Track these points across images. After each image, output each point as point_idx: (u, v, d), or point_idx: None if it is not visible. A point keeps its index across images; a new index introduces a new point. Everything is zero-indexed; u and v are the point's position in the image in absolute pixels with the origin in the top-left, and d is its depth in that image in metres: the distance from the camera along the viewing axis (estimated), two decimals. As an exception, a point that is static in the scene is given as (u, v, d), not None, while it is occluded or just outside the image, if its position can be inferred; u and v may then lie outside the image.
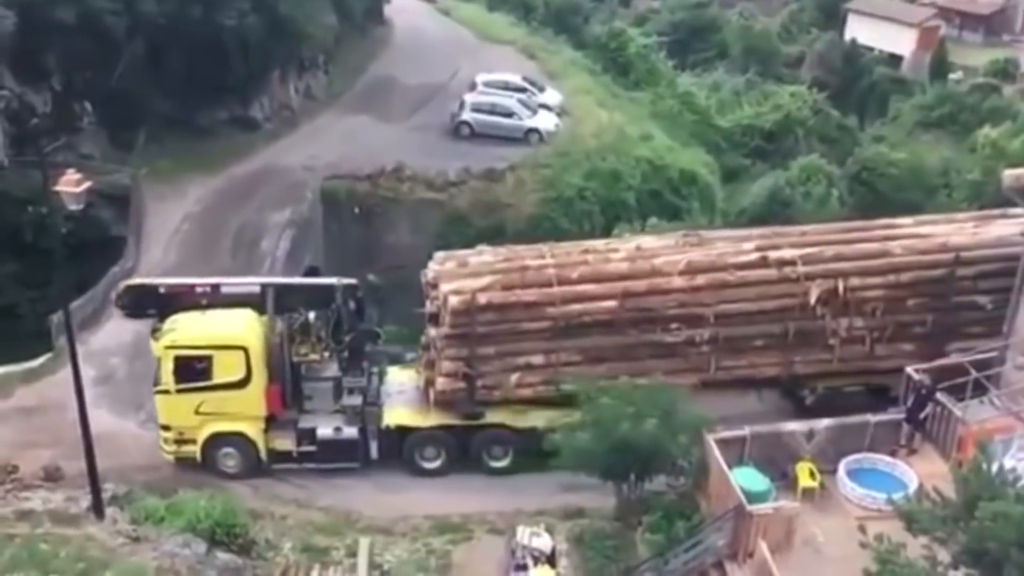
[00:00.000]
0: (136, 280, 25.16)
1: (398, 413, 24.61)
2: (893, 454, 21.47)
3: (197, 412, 23.54)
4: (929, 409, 21.69)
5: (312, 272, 27.76)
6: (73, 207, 18.50)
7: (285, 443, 24.05)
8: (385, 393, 25.19)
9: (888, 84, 64.32)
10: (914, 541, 15.37)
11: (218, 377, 23.31)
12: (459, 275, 24.39)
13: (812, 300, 23.90)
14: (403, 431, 24.38)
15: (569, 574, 20.61)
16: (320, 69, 44.13)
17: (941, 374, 21.93)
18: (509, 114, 39.22)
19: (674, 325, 24.06)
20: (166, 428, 23.88)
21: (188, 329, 23.54)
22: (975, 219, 26.63)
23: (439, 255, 25.48)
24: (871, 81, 64.09)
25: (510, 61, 46.21)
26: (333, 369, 24.52)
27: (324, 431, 23.87)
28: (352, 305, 24.43)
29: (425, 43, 48.49)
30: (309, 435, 23.71)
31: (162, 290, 24.40)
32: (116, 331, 28.89)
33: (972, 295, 24.58)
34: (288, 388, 24.12)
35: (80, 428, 19.72)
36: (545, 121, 39.66)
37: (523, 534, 20.85)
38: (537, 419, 23.95)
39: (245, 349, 23.24)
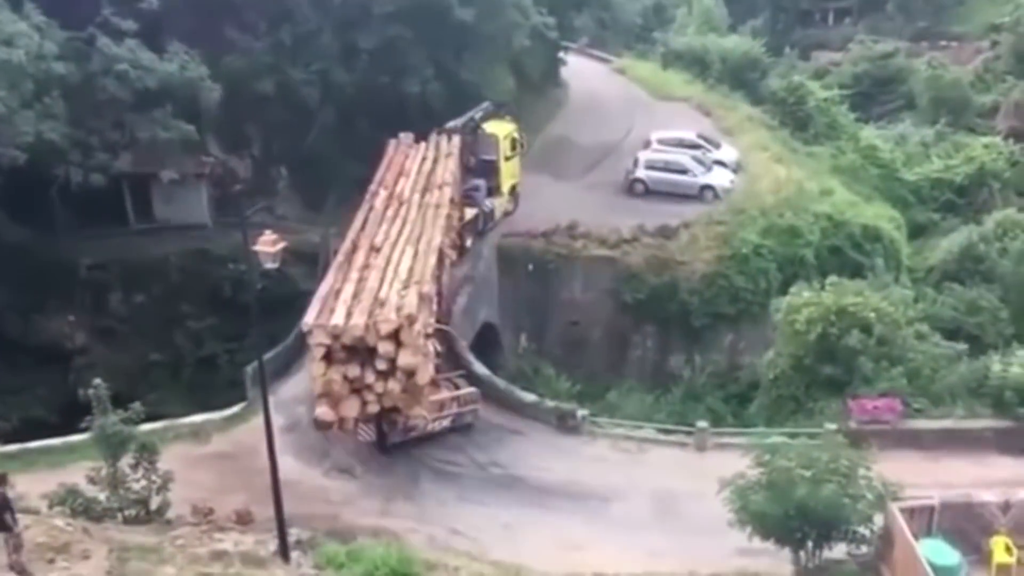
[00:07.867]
0: None
1: None
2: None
3: None
4: None
5: (487, 329, 28.63)
6: (269, 265, 19.75)
7: None
8: None
9: (1093, 133, 60.06)
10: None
11: None
12: None
13: None
14: None
15: (743, 641, 20.04)
16: (499, 131, 45.44)
17: None
18: (683, 171, 39.16)
19: None
20: None
21: None
22: None
23: None
24: (1074, 130, 60.05)
25: (685, 118, 46.20)
26: None
27: None
28: None
29: (600, 102, 49.20)
30: None
31: None
32: (303, 381, 30.35)
33: None
34: None
35: (270, 475, 20.88)
36: (720, 178, 39.35)
37: (695, 597, 20.51)
38: None
39: None
